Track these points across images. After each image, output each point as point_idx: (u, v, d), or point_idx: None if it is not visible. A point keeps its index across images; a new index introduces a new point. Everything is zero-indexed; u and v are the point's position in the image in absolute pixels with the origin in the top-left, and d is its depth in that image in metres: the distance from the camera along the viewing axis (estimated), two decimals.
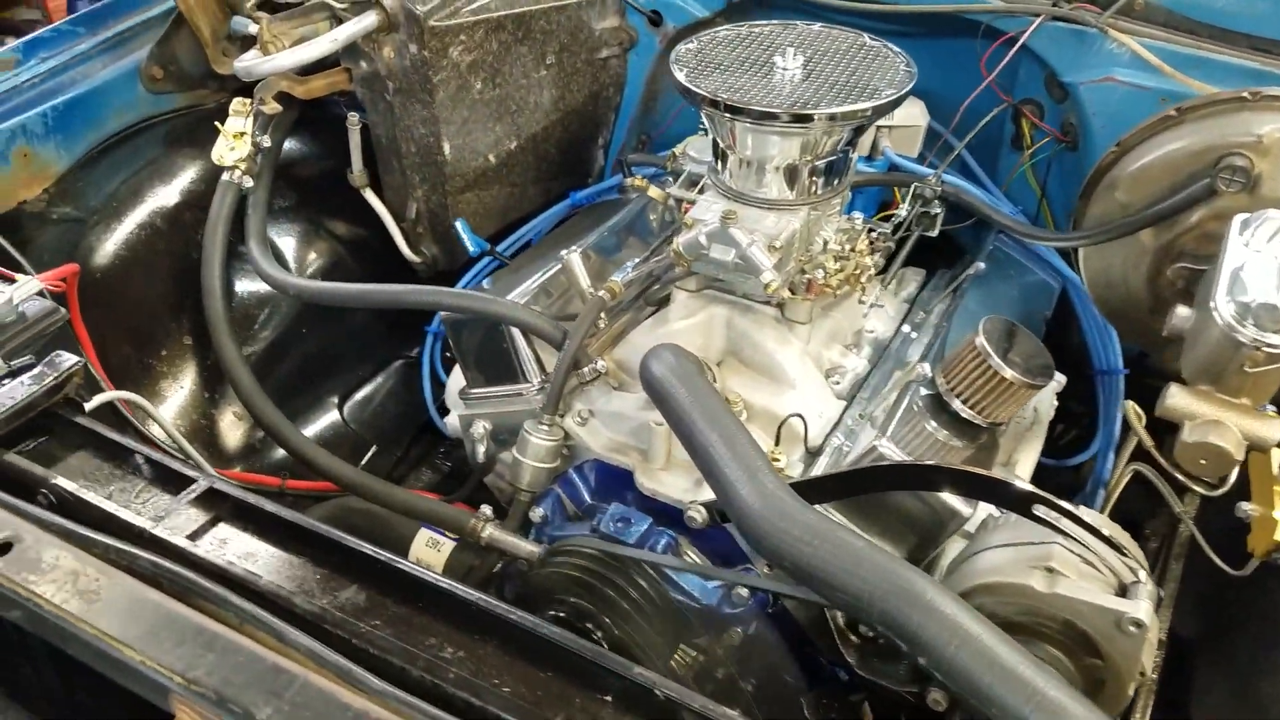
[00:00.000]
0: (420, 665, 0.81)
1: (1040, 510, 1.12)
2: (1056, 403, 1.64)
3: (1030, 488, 1.11)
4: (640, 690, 0.82)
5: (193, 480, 0.96)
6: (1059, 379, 1.67)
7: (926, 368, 1.39)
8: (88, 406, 1.06)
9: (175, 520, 0.92)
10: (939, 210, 1.71)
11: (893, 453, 1.28)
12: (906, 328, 1.73)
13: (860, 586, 0.95)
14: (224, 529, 0.93)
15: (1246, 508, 1.24)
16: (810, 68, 1.47)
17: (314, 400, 1.95)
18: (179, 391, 1.80)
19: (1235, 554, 1.42)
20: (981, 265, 1.66)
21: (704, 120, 1.52)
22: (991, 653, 0.89)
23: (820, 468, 1.42)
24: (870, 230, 1.62)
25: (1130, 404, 1.45)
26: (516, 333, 1.53)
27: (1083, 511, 1.20)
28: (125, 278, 1.73)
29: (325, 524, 1.69)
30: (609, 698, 0.82)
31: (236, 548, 0.90)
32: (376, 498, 1.54)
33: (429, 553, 1.64)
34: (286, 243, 2.02)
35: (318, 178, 2.00)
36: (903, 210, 1.67)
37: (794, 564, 1.01)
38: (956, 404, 1.37)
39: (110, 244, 1.75)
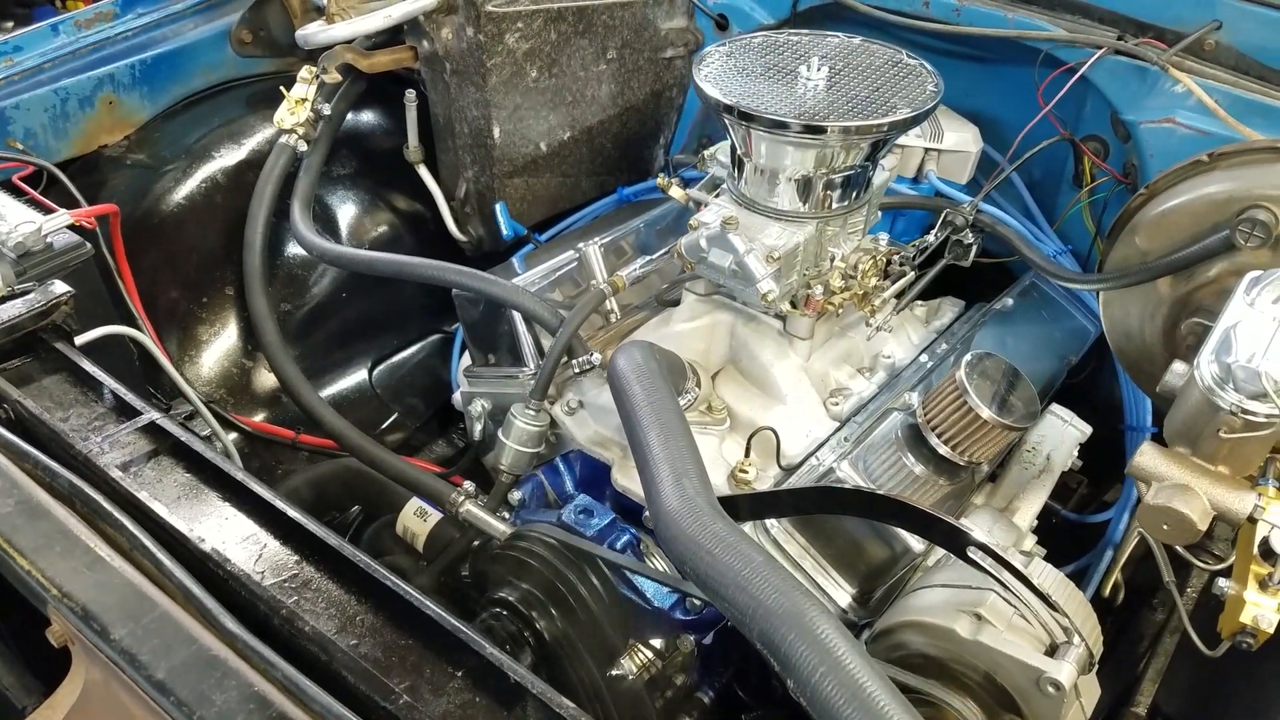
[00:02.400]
0: (282, 614, 0.85)
1: (975, 554, 1.08)
2: (1076, 453, 1.57)
3: (966, 528, 1.07)
4: (492, 669, 0.84)
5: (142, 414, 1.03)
6: (1082, 429, 1.59)
7: (914, 397, 1.36)
8: (79, 340, 1.15)
9: (112, 449, 0.99)
10: (973, 240, 1.65)
11: (850, 477, 1.26)
12: (925, 357, 1.69)
13: (746, 601, 0.95)
14: (159, 463, 1.00)
15: (1224, 585, 1.16)
16: (834, 80, 1.45)
17: (345, 360, 2.06)
18: (216, 338, 1.93)
19: None
20: (1010, 301, 1.61)
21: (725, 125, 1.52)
22: (858, 687, 0.87)
23: (791, 484, 1.40)
24: (894, 253, 1.58)
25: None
26: (518, 316, 1.58)
27: (1033, 565, 1.15)
28: (181, 226, 1.87)
29: (326, 481, 1.82)
30: (459, 673, 0.85)
31: (156, 481, 0.97)
32: (370, 461, 1.61)
33: (416, 521, 1.70)
34: (346, 210, 2.13)
35: (382, 151, 2.10)
36: (931, 237, 1.62)
37: (694, 571, 1.01)
38: (933, 439, 1.34)
39: (175, 194, 1.89)
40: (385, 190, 2.14)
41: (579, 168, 2.14)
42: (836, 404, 1.59)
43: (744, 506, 1.24)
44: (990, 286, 1.85)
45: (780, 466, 1.45)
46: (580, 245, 1.70)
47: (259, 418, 1.89)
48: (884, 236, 1.59)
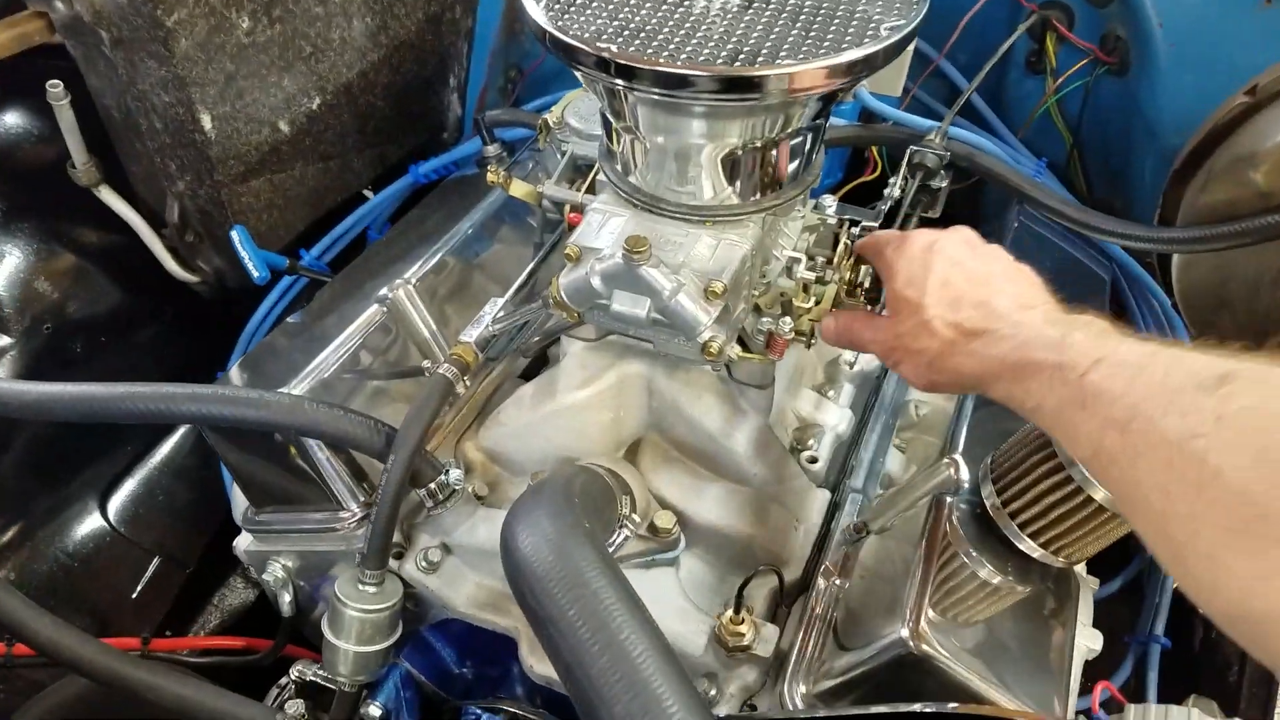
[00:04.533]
0: None
1: None
2: None
3: None
4: None
5: None
6: None
7: (962, 468, 0.90)
8: None
9: None
10: (944, 184, 1.20)
11: (932, 648, 0.80)
12: None
13: None
14: None
15: None
16: None
17: (61, 504, 1.38)
18: None
19: None
20: None
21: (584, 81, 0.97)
22: None
23: (807, 625, 0.94)
24: (850, 225, 1.09)
25: None
26: (313, 440, 0.99)
27: None
28: None
29: (71, 709, 1.19)
30: None
31: None
32: (114, 682, 1.01)
33: None
34: (7, 265, 1.41)
35: (42, 172, 1.39)
36: (895, 188, 1.15)
37: None
38: (1014, 532, 0.89)
39: None
40: (59, 229, 1.44)
41: (344, 144, 1.52)
42: (814, 460, 1.14)
43: None
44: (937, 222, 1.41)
45: (782, 603, 0.99)
46: (384, 292, 1.12)
47: None
48: (828, 201, 1.10)
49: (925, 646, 0.80)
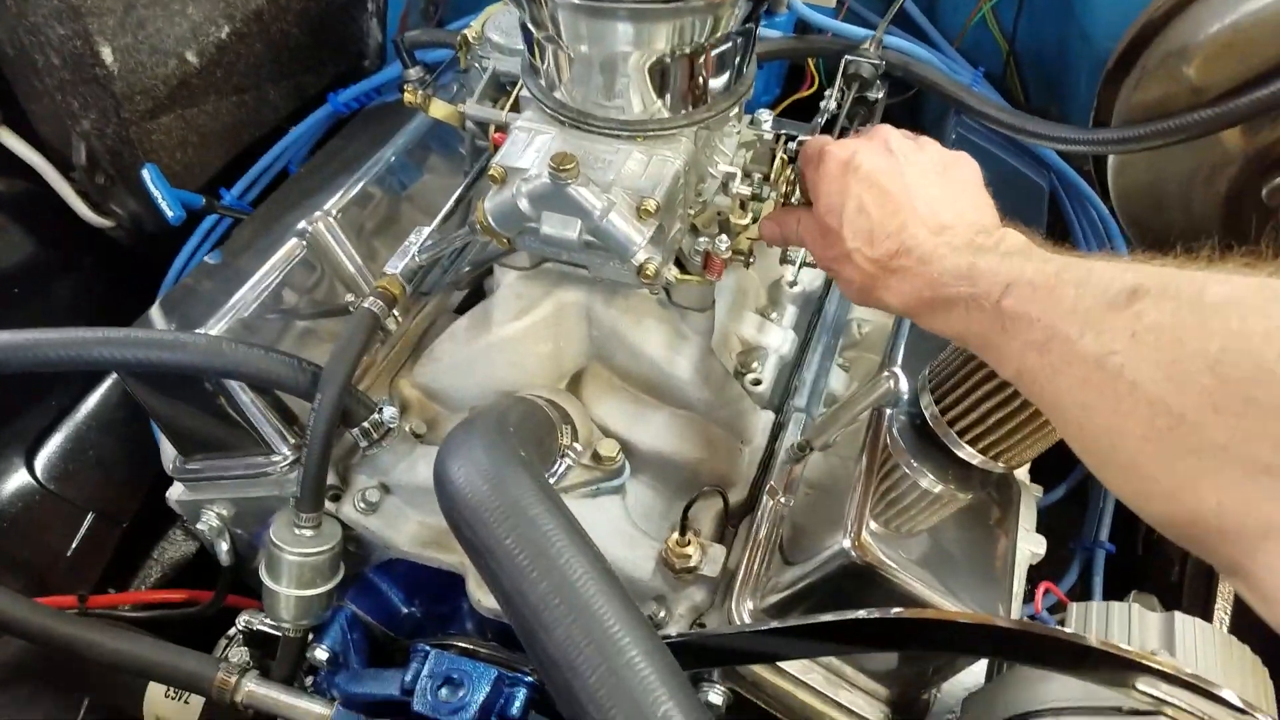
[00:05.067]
0: None
1: (1149, 685, 0.66)
2: None
3: (1120, 652, 0.65)
4: None
5: None
6: None
7: (901, 380, 0.90)
8: None
9: None
10: (880, 95, 1.18)
11: (874, 555, 0.80)
12: None
13: None
14: None
15: None
16: None
17: None
18: None
19: None
20: None
21: None
22: None
23: (754, 543, 0.94)
24: (787, 140, 1.07)
25: None
26: (236, 383, 0.96)
27: (1186, 629, 0.77)
28: None
29: (10, 669, 1.17)
30: None
31: None
32: (52, 641, 0.99)
33: (173, 707, 1.12)
34: None
35: None
36: (831, 100, 1.13)
37: None
38: (954, 440, 0.89)
39: None
40: None
41: (258, 74, 1.45)
42: (758, 382, 1.13)
43: (741, 652, 0.78)
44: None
45: (727, 522, 0.98)
46: (302, 225, 1.08)
47: None
48: (764, 115, 1.07)
49: (868, 556, 0.80)
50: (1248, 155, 0.93)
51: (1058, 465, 1.37)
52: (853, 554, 0.80)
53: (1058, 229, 1.29)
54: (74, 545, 1.39)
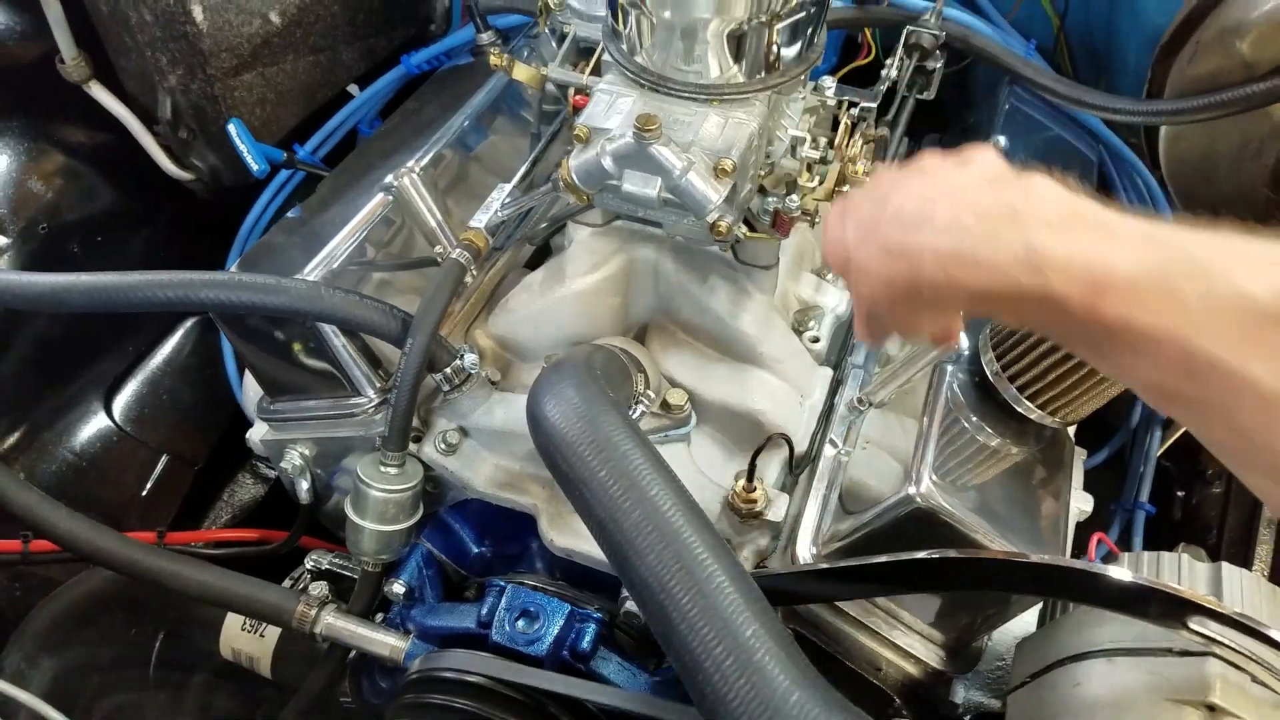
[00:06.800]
0: None
1: (1200, 624, 0.71)
2: None
3: (1170, 589, 0.70)
4: None
5: None
6: None
7: (962, 339, 0.94)
8: None
9: None
10: (938, 64, 1.21)
11: (938, 502, 0.85)
12: None
13: None
14: None
15: None
16: None
17: (66, 404, 1.40)
18: None
19: None
20: (1003, 140, 1.19)
21: None
22: None
23: (814, 493, 0.99)
24: (850, 106, 1.11)
25: None
26: (329, 326, 1.01)
27: (1233, 578, 0.81)
28: None
29: (84, 614, 1.22)
30: None
31: None
32: (137, 573, 1.05)
33: (248, 640, 1.19)
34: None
35: (35, 67, 1.36)
36: (892, 68, 1.16)
37: None
38: (1013, 394, 0.94)
39: None
40: (50, 128, 1.42)
41: (333, 36, 1.49)
42: (816, 339, 1.17)
43: (811, 592, 0.82)
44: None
45: (792, 470, 1.03)
46: (389, 180, 1.13)
47: None
48: (828, 82, 1.11)
49: (932, 501, 0.84)
50: None
51: (1100, 430, 1.41)
52: (918, 499, 0.85)
53: (1105, 198, 1.31)
54: (149, 486, 1.46)
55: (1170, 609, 0.70)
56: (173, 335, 1.53)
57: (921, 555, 0.75)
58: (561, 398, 0.79)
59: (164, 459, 1.45)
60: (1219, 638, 0.71)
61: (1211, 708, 0.73)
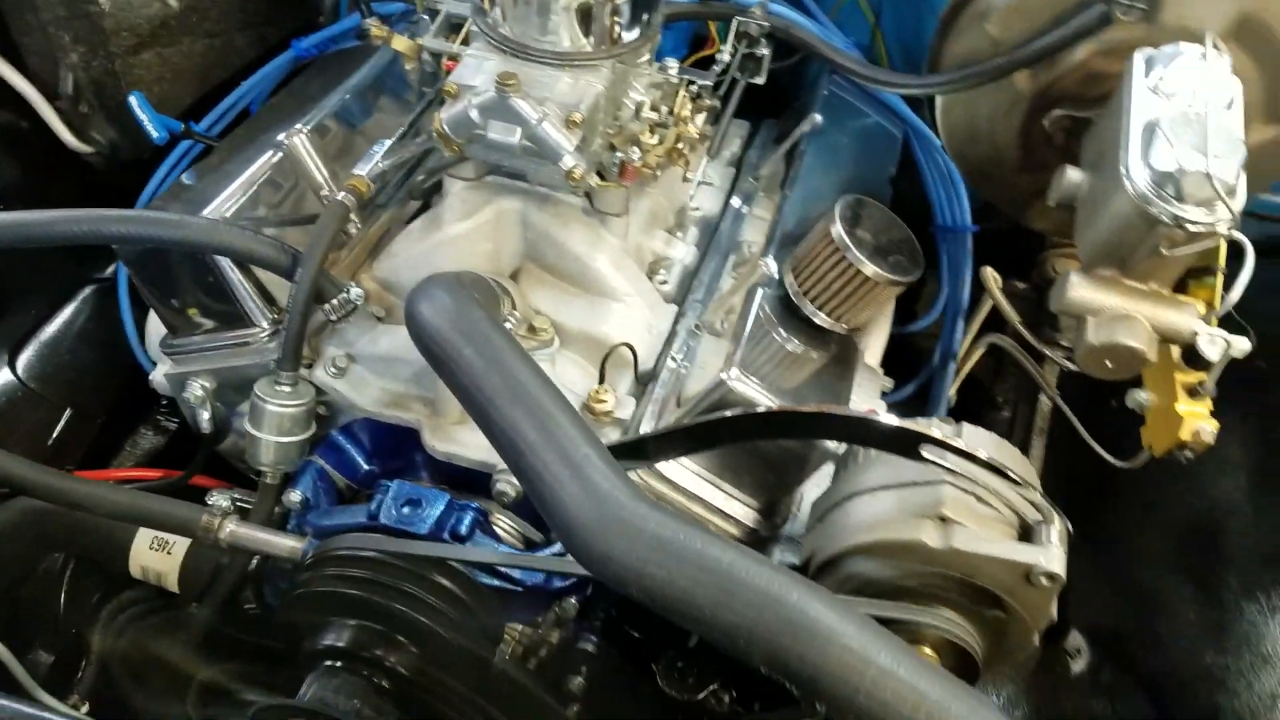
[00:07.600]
0: None
1: (930, 451, 0.92)
2: None
3: (912, 426, 0.90)
4: None
5: None
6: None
7: (772, 265, 1.14)
8: None
9: None
10: (766, 51, 1.42)
11: (744, 386, 1.05)
12: (736, 200, 1.48)
13: (734, 620, 0.73)
14: None
15: (1141, 397, 1.10)
16: None
17: None
18: None
19: (1101, 434, 1.32)
20: (819, 118, 1.41)
21: None
22: (916, 692, 0.69)
23: (655, 399, 1.18)
24: (689, 84, 1.31)
25: (989, 271, 1.28)
26: (225, 262, 1.15)
27: (966, 433, 1.02)
28: None
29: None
30: None
31: None
32: (54, 497, 1.16)
33: (156, 557, 1.30)
34: None
35: None
36: (725, 54, 1.37)
37: (644, 591, 0.77)
38: (809, 308, 1.14)
39: None
40: None
41: (228, 21, 1.63)
42: (664, 282, 1.36)
43: (656, 448, 1.00)
44: (758, 101, 1.64)
45: (637, 379, 1.21)
46: (280, 137, 1.27)
47: None
48: (671, 63, 1.31)
49: (740, 383, 1.04)
50: (1033, 94, 1.21)
51: (908, 366, 1.64)
52: (729, 382, 1.04)
53: (910, 170, 1.55)
54: (53, 437, 1.55)
55: (916, 443, 0.91)
56: (72, 301, 1.62)
57: (729, 413, 0.94)
58: (434, 299, 0.95)
59: (67, 413, 1.54)
60: (955, 469, 0.92)
61: (943, 519, 0.94)
